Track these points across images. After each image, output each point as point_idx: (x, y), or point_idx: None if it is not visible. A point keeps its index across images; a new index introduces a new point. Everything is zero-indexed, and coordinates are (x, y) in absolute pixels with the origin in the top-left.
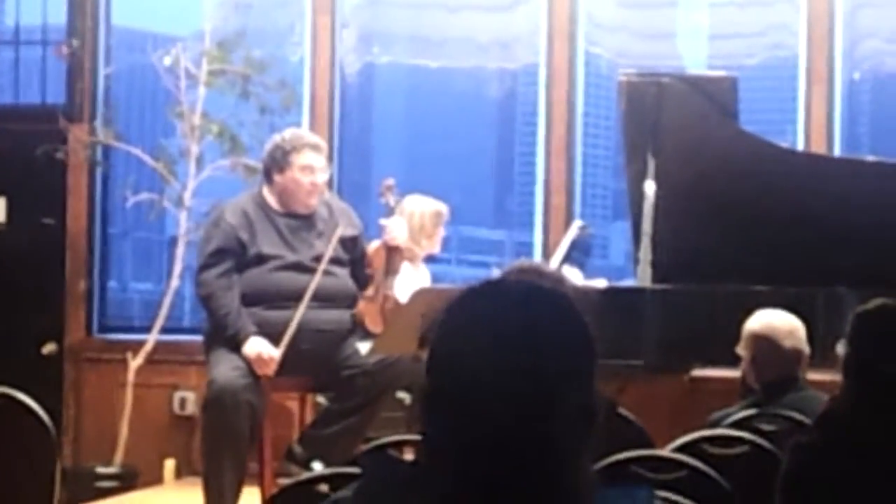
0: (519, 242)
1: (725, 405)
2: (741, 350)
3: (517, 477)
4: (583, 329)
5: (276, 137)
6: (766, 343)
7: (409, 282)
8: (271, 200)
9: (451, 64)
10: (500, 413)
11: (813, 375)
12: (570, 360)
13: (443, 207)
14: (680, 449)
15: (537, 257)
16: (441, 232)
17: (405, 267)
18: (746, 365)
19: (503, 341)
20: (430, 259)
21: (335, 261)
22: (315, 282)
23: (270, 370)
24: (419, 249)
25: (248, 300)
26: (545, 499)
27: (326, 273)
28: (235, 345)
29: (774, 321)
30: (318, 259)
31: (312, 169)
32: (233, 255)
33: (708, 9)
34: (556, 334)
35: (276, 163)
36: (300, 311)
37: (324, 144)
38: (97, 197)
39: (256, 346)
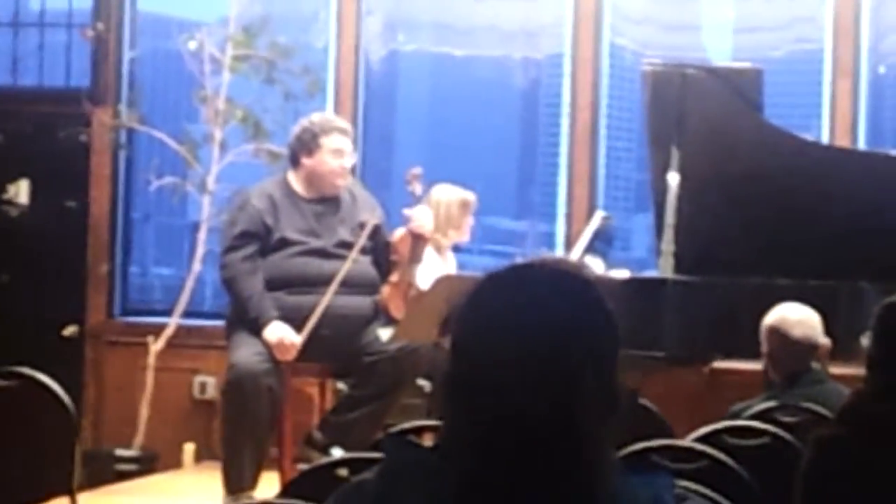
0: (541, 233)
1: (745, 397)
2: (762, 349)
3: (537, 461)
4: (605, 314)
5: (305, 121)
6: (776, 335)
7: (436, 271)
8: (296, 186)
9: (476, 52)
10: (521, 397)
11: (835, 369)
12: (592, 345)
13: (470, 196)
14: (700, 439)
15: (560, 248)
16: (469, 221)
17: (431, 256)
18: (766, 360)
19: (525, 325)
20: (453, 249)
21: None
22: (344, 270)
23: (291, 356)
24: (446, 240)
25: (271, 285)
26: (566, 484)
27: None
28: (257, 329)
29: (785, 313)
30: (341, 245)
31: (342, 152)
32: (257, 238)
33: (733, 1)
34: (578, 318)
35: (305, 145)
36: (326, 297)
37: (350, 129)
38: (120, 180)
39: (278, 332)
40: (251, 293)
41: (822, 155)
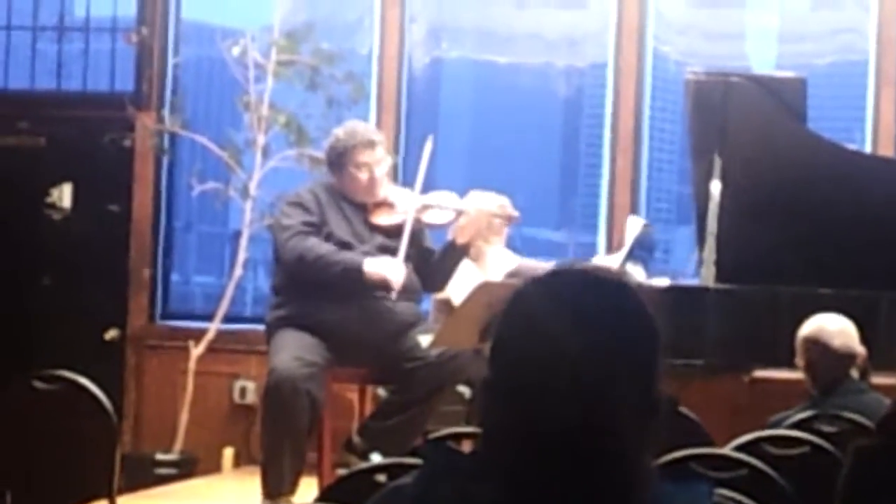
0: (582, 243)
1: (786, 407)
2: (798, 360)
3: (575, 468)
4: (646, 320)
5: (332, 136)
6: (816, 345)
7: (473, 279)
8: (340, 189)
9: (519, 60)
10: (560, 404)
11: (875, 379)
12: (632, 351)
13: (506, 202)
14: (740, 448)
15: (601, 258)
16: (506, 227)
17: (467, 265)
18: (804, 373)
19: (565, 331)
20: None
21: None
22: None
23: (402, 276)
24: (488, 246)
25: (311, 289)
26: (604, 491)
27: None
28: (356, 276)
29: (823, 323)
30: (382, 249)
31: (369, 166)
32: (317, 228)
33: (777, 10)
34: (618, 325)
35: (334, 163)
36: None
37: (379, 137)
38: (163, 185)
39: (373, 266)
40: (330, 249)
41: (864, 164)
